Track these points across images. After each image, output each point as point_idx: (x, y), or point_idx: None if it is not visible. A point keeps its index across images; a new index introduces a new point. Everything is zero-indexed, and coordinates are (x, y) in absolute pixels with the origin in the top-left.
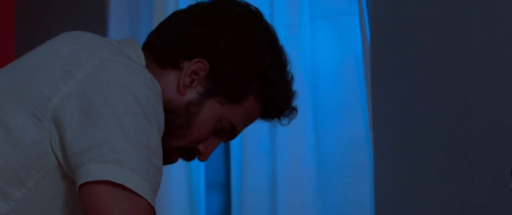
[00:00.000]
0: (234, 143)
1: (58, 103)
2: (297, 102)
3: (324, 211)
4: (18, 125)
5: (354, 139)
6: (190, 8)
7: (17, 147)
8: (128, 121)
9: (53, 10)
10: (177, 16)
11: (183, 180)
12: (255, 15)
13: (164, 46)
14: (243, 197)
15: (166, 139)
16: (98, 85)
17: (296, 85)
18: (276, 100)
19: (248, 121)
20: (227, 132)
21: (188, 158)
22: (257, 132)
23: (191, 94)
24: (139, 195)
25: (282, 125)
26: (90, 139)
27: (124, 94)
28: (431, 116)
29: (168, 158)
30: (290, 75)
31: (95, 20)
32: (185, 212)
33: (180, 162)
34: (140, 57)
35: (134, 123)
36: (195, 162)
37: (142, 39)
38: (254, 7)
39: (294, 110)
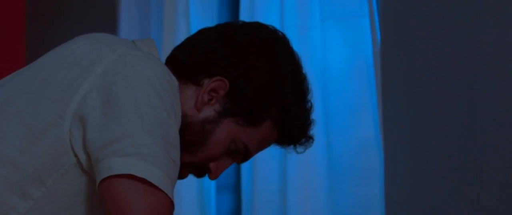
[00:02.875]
0: None
1: (80, 100)
2: None
3: (334, 212)
4: (39, 123)
5: (364, 141)
6: (218, 26)
7: (38, 145)
8: (149, 114)
9: (64, 12)
10: (203, 33)
11: (194, 182)
12: (281, 41)
13: (187, 61)
14: (253, 198)
15: None
16: (118, 78)
17: None
18: (293, 128)
19: (262, 145)
20: (241, 153)
21: (198, 174)
22: None
23: (208, 112)
24: (160, 189)
25: (297, 152)
26: (112, 133)
27: (144, 87)
28: (442, 117)
29: (178, 173)
30: (309, 104)
31: (105, 22)
32: (195, 214)
33: None
34: (155, 55)
35: (154, 115)
36: (208, 179)
37: None
38: (281, 32)
39: (310, 138)
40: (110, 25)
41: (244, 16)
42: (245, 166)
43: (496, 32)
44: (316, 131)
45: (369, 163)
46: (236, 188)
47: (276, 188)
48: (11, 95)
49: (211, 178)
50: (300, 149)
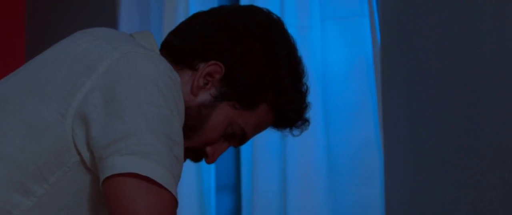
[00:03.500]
0: (244, 145)
1: (82, 99)
2: None
3: (334, 212)
4: (40, 121)
5: (364, 141)
6: (212, 11)
7: (40, 143)
8: (152, 112)
9: (64, 10)
10: (197, 17)
11: (194, 182)
12: (276, 24)
13: (182, 46)
14: (253, 198)
15: None
16: (121, 77)
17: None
18: (289, 111)
19: (259, 128)
20: (237, 137)
21: (195, 159)
22: (267, 134)
23: (204, 96)
24: (164, 187)
25: (293, 135)
26: (115, 131)
27: (147, 85)
28: (442, 117)
29: None
30: (305, 87)
31: (105, 21)
32: (195, 214)
33: (191, 164)
34: (154, 49)
35: (157, 113)
36: (206, 163)
37: None
38: (276, 15)
39: (306, 121)
40: (110, 24)
41: None
42: (245, 166)
43: (496, 32)
44: (316, 131)
45: (369, 163)
46: (236, 188)
47: (276, 188)
48: (11, 93)
49: (208, 161)
50: (296, 131)
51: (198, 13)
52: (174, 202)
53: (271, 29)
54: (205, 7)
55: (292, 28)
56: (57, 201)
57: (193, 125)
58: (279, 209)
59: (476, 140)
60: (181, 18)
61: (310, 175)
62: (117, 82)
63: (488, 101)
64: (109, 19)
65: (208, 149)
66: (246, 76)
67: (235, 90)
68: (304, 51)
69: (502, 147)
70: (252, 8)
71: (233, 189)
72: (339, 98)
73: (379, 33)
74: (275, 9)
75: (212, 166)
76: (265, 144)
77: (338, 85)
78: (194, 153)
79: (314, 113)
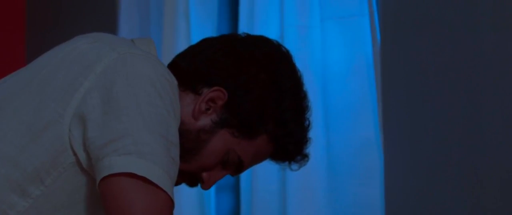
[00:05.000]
0: None
1: (80, 99)
2: None
3: (334, 212)
4: (39, 122)
5: (364, 140)
6: (222, 37)
7: (38, 143)
8: (149, 112)
9: (64, 13)
10: (206, 42)
11: None
12: (284, 56)
13: (187, 68)
14: (253, 198)
15: None
16: (118, 77)
17: (306, 86)
18: (288, 144)
19: (257, 159)
20: (234, 165)
21: (191, 183)
22: None
23: (204, 121)
24: (160, 188)
25: (292, 169)
26: (112, 131)
27: (145, 85)
28: (442, 117)
29: None
30: (307, 122)
31: (105, 23)
32: (195, 214)
33: None
34: (153, 54)
35: (154, 113)
36: (201, 189)
37: None
38: (285, 48)
39: (305, 156)
40: (109, 26)
41: (244, 16)
42: None
43: (496, 33)
44: (316, 131)
45: (369, 162)
46: (236, 188)
47: (275, 187)
48: (10, 93)
49: (204, 188)
50: (294, 166)
51: (207, 38)
52: (170, 203)
53: (278, 60)
54: (205, 8)
55: (292, 27)
56: (53, 202)
57: (191, 148)
58: (278, 208)
59: (476, 139)
60: (180, 19)
61: (309, 175)
62: (115, 82)
63: (488, 101)
64: (109, 19)
65: (204, 175)
66: (248, 105)
67: (236, 117)
68: (304, 51)
69: (502, 147)
70: (262, 38)
71: (232, 189)
72: (339, 98)
73: (379, 33)
74: (274, 9)
75: None
76: None
77: (338, 85)
78: (190, 178)
79: (313, 112)
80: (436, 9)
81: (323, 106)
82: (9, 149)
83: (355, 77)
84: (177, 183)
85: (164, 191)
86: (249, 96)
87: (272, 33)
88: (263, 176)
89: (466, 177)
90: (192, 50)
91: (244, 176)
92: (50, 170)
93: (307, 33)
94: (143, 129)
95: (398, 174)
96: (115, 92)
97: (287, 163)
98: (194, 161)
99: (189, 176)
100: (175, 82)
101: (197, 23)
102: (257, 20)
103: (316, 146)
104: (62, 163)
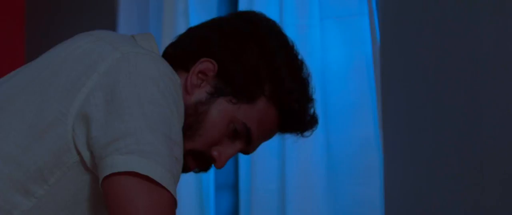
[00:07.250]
0: None
1: (83, 98)
2: None
3: (333, 212)
4: (42, 121)
5: (363, 140)
6: (206, 21)
7: (41, 143)
8: (153, 111)
9: (63, 11)
10: (193, 27)
11: (193, 181)
12: (269, 21)
13: (176, 52)
14: (252, 197)
15: None
16: (122, 76)
17: None
18: (291, 103)
19: (263, 126)
20: (242, 134)
21: (204, 167)
22: None
23: (199, 94)
24: (163, 187)
25: (304, 136)
26: (115, 130)
27: (148, 84)
28: (441, 116)
29: (184, 165)
30: (306, 80)
31: (104, 21)
32: (194, 213)
33: None
34: (155, 51)
35: (158, 112)
36: (215, 169)
37: None
38: (269, 17)
39: (314, 118)
40: (109, 24)
41: None
42: (243, 165)
43: (496, 32)
44: (315, 130)
45: (369, 162)
46: (235, 187)
47: (275, 187)
48: (12, 93)
49: (217, 166)
50: (307, 132)
51: (192, 26)
52: (173, 202)
53: (264, 25)
54: (204, 7)
55: (291, 27)
56: (57, 201)
57: (192, 123)
58: (278, 208)
59: (476, 139)
60: (180, 17)
61: (309, 174)
62: (118, 82)
63: (488, 101)
64: (108, 18)
65: (214, 153)
66: (240, 70)
67: (230, 84)
68: (304, 50)
69: (502, 147)
70: (245, 11)
71: (232, 188)
72: (339, 97)
73: (379, 32)
74: (274, 8)
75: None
76: (264, 143)
77: (338, 84)
78: (201, 160)
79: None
80: (436, 9)
81: (323, 105)
82: (12, 149)
83: (354, 77)
84: (190, 168)
85: (167, 190)
86: (238, 61)
87: None
88: (262, 175)
89: (465, 176)
90: (179, 37)
91: (243, 175)
92: (53, 169)
93: (306, 32)
94: (146, 128)
95: (397, 173)
96: (119, 92)
97: (299, 131)
98: (199, 136)
99: (200, 158)
100: (179, 81)
101: (196, 22)
102: None
103: (316, 145)
104: (66, 163)
